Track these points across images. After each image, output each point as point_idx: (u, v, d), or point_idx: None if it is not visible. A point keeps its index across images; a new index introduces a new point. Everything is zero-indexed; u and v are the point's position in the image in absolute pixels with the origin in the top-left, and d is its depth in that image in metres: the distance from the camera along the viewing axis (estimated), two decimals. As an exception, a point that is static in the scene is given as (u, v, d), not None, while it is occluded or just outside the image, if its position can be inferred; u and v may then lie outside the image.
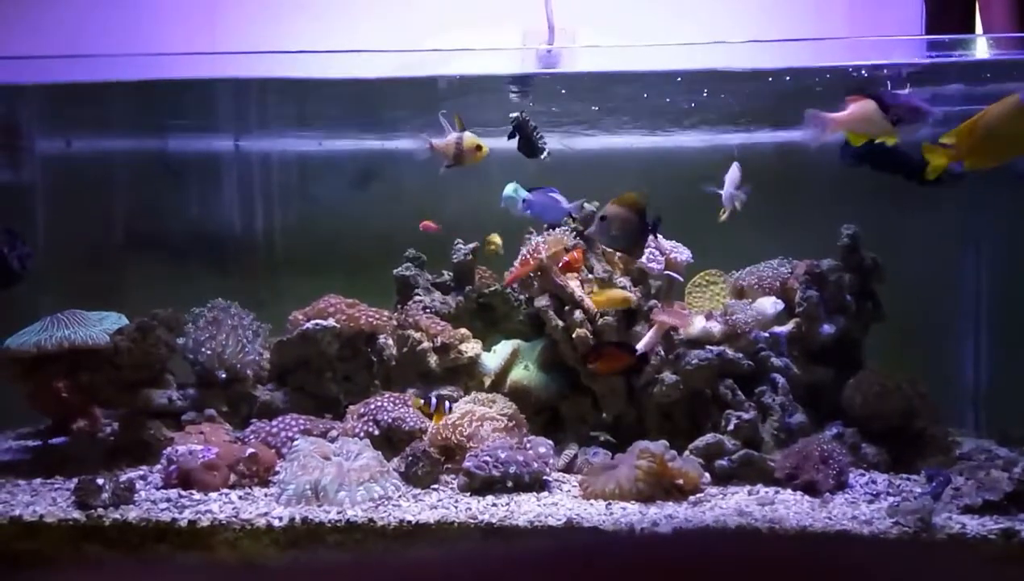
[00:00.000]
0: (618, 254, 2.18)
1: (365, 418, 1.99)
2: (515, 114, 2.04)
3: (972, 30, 2.41)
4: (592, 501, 1.74)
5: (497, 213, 2.20)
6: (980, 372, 2.53)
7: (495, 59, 2.23)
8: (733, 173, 2.06)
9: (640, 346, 2.03)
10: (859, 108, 1.75)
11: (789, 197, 2.27)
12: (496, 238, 2.29)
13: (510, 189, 2.06)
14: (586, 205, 2.26)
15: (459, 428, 1.93)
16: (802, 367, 2.08)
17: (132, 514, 1.65)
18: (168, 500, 1.73)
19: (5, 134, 2.53)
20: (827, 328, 2.12)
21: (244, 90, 2.40)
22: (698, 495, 1.77)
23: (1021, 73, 2.21)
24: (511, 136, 2.04)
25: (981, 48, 2.29)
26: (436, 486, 1.84)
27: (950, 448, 2.00)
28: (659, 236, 1.98)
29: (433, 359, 2.15)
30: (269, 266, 2.66)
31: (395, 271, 2.32)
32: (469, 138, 1.96)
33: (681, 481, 1.76)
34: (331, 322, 2.16)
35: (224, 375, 2.10)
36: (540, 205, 2.03)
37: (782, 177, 2.38)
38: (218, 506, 1.70)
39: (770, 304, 2.12)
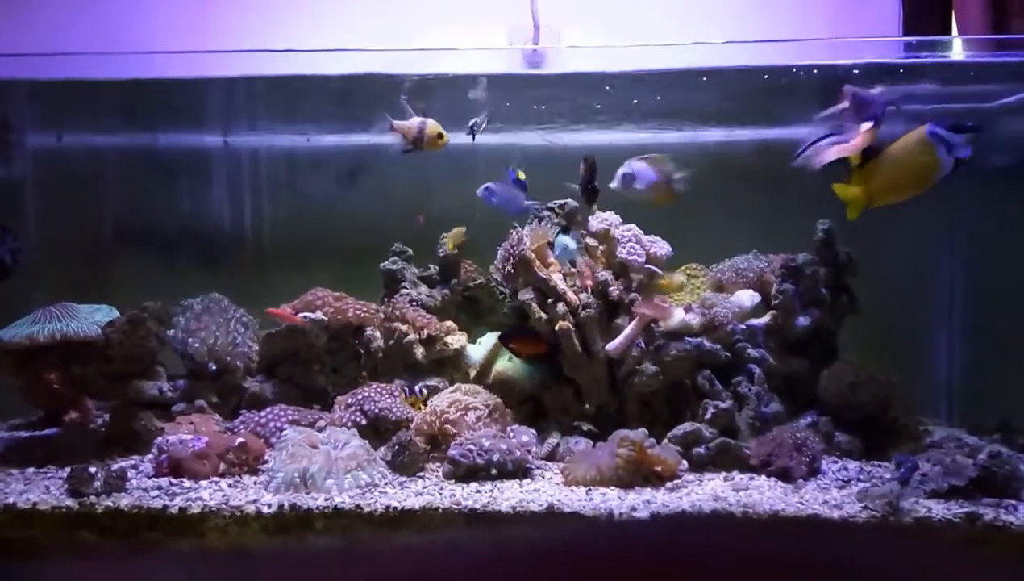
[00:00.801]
0: (600, 249, 2.23)
1: (352, 408, 2.03)
2: (473, 121, 2.12)
3: (948, 31, 2.47)
4: (573, 488, 1.79)
5: (483, 208, 2.25)
6: (953, 364, 2.59)
7: (480, 58, 2.28)
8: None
9: (621, 338, 2.08)
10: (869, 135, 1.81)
11: (766, 193, 2.33)
12: (455, 237, 2.34)
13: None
14: (570, 201, 2.31)
15: (444, 417, 1.98)
16: (778, 358, 2.14)
17: (124, 501, 1.69)
18: (159, 488, 1.77)
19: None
20: (803, 320, 2.18)
21: (233, 87, 2.43)
22: (676, 481, 1.82)
23: (997, 74, 2.28)
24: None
25: (957, 49, 2.35)
26: (422, 474, 1.88)
27: (921, 437, 2.06)
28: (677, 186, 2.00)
29: (419, 351, 2.20)
30: (258, 260, 2.69)
31: (382, 265, 2.36)
32: (432, 125, 2.03)
33: (659, 468, 1.82)
34: (319, 314, 2.20)
35: (214, 367, 2.14)
36: (501, 196, 2.11)
37: (760, 173, 2.43)
38: (208, 493, 1.74)
39: (747, 297, 2.17)
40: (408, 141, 2.02)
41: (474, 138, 2.12)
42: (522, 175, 2.11)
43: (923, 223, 2.55)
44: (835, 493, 1.74)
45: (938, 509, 1.64)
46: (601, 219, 2.22)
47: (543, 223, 2.24)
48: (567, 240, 2.10)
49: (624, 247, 2.19)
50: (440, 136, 2.04)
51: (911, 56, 2.21)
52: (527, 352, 2.16)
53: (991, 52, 2.35)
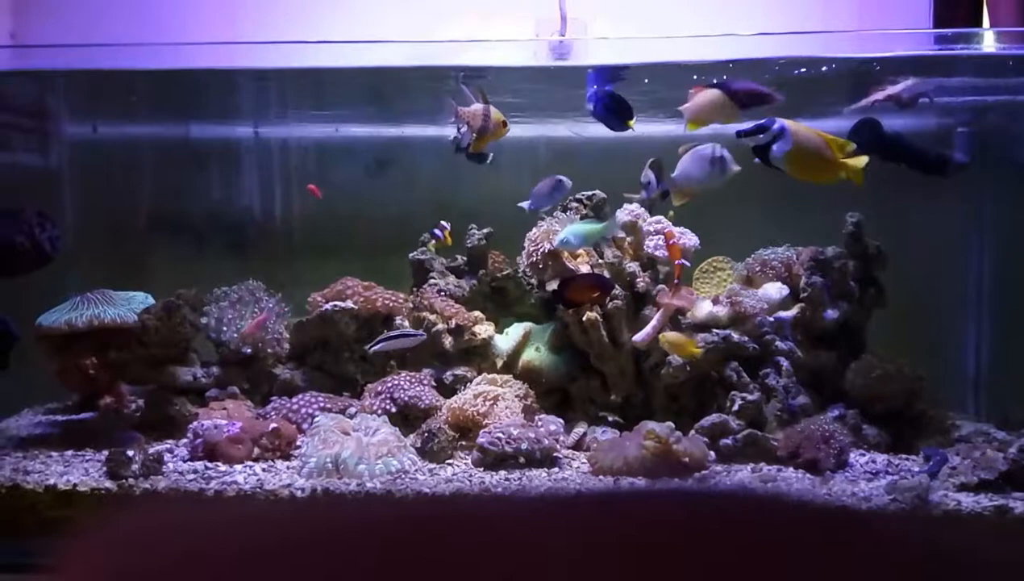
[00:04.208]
0: (628, 240, 2.24)
1: (382, 396, 2.06)
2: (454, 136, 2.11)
3: (979, 24, 2.45)
4: (601, 477, 1.81)
5: (509, 199, 2.26)
6: (981, 358, 2.58)
7: (507, 50, 2.29)
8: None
9: (648, 329, 2.09)
10: (702, 97, 1.83)
11: (795, 185, 2.32)
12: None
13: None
14: (598, 192, 2.31)
15: (473, 406, 2.00)
16: (806, 351, 2.14)
17: (161, 484, 1.73)
18: (195, 471, 1.81)
19: (34, 119, 2.60)
20: (831, 313, 2.17)
21: (263, 79, 2.46)
22: (703, 472, 1.83)
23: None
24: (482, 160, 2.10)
25: (988, 42, 2.33)
26: (451, 461, 1.91)
27: (949, 430, 2.06)
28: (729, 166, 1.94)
29: (448, 340, 2.22)
30: (288, 249, 2.72)
31: (411, 255, 2.39)
32: (496, 111, 1.95)
33: (687, 459, 1.83)
34: (349, 303, 2.23)
35: (248, 350, 2.17)
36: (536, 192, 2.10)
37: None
38: (243, 477, 1.78)
39: (775, 290, 2.17)
40: (473, 129, 1.92)
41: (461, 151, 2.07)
42: (484, 97, 1.95)
43: (952, 216, 2.53)
44: (863, 485, 1.75)
45: (967, 502, 1.65)
46: (628, 211, 2.23)
47: (569, 214, 2.26)
48: (569, 235, 2.07)
49: (652, 239, 2.20)
50: (504, 124, 1.96)
51: (944, 48, 2.20)
52: (586, 298, 2.08)
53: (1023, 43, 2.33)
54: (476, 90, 1.96)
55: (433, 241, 2.28)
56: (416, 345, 2.12)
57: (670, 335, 2.02)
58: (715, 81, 1.90)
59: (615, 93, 2.00)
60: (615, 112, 1.99)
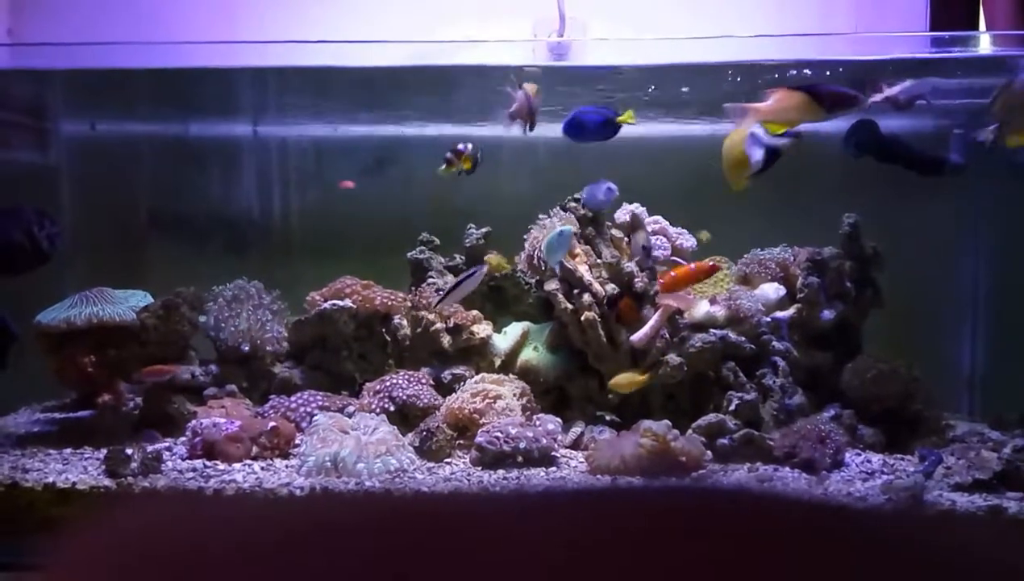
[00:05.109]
0: (626, 240, 2.25)
1: (381, 395, 2.06)
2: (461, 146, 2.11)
3: (975, 27, 2.46)
4: (599, 476, 1.82)
5: (508, 199, 2.27)
6: (976, 358, 2.59)
7: (506, 50, 2.30)
8: None
9: (645, 329, 2.10)
10: (786, 98, 1.81)
11: (793, 186, 2.34)
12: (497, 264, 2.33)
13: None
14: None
15: (471, 405, 2.01)
16: (802, 351, 2.15)
17: (160, 482, 1.73)
18: (194, 470, 1.81)
19: (32, 117, 2.60)
20: (827, 314, 2.19)
21: (262, 78, 2.46)
22: (700, 471, 1.84)
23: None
24: (470, 172, 2.09)
25: (984, 45, 2.35)
26: (449, 460, 1.92)
27: (943, 430, 2.08)
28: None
29: (446, 339, 2.22)
30: (286, 248, 2.73)
31: (409, 254, 2.39)
32: (529, 85, 1.95)
33: (684, 458, 1.84)
34: (347, 302, 2.23)
35: (247, 348, 2.17)
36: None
37: (786, 166, 2.44)
38: (242, 476, 1.78)
39: (772, 290, 2.19)
40: (523, 117, 1.92)
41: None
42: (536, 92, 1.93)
43: (948, 217, 2.55)
44: (859, 485, 1.76)
45: (962, 501, 1.66)
46: (627, 210, 2.23)
47: (568, 214, 2.26)
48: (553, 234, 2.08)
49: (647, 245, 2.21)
50: (538, 91, 1.95)
51: (940, 51, 2.21)
52: (634, 318, 2.08)
53: (1020, 46, 2.34)
54: (518, 82, 1.96)
55: (445, 165, 2.05)
56: (480, 279, 2.10)
57: (619, 379, 2.04)
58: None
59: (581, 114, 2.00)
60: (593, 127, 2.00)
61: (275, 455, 1.91)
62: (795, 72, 2.17)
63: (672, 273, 2.09)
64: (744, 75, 2.26)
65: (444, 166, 1.96)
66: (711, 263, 2.11)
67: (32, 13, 2.58)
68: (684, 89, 2.39)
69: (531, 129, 1.96)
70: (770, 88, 1.84)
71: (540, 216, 2.28)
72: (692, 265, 2.10)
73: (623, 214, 2.23)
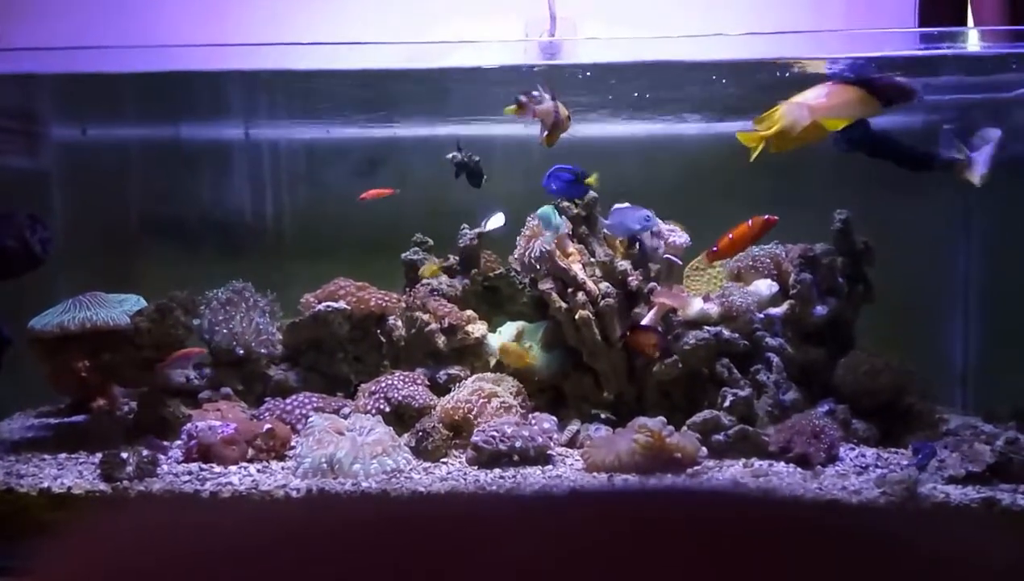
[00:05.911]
0: (619, 238, 2.26)
1: (376, 396, 2.06)
2: (451, 154, 2.12)
3: (964, 23, 2.48)
4: (595, 474, 1.82)
5: (502, 199, 2.27)
6: (969, 352, 2.61)
7: (497, 50, 2.30)
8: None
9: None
10: (841, 93, 1.79)
11: (784, 182, 2.34)
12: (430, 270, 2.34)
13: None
14: (590, 193, 2.33)
15: (467, 405, 2.01)
16: (796, 347, 2.16)
17: (156, 486, 1.73)
18: (190, 473, 1.81)
19: (22, 122, 2.59)
20: (820, 310, 2.20)
21: (253, 80, 2.46)
22: (695, 467, 1.85)
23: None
24: (457, 176, 2.12)
25: (972, 41, 2.36)
26: (445, 460, 1.92)
27: (937, 424, 2.09)
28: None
29: (441, 340, 2.23)
30: (280, 250, 2.73)
31: (403, 255, 2.39)
32: (563, 107, 1.93)
33: (679, 455, 1.85)
34: (342, 304, 2.23)
35: (241, 351, 2.17)
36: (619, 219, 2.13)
37: (778, 162, 2.45)
38: (238, 478, 1.78)
39: (765, 286, 2.20)
40: (547, 126, 1.89)
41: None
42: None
43: (939, 212, 2.56)
44: (853, 479, 1.77)
45: (956, 494, 1.67)
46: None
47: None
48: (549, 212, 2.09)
49: (643, 236, 2.22)
50: (569, 117, 1.94)
51: (929, 47, 2.22)
52: (648, 345, 2.06)
53: (1009, 43, 2.35)
54: (547, 86, 1.95)
55: (516, 106, 1.90)
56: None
57: (508, 346, 2.03)
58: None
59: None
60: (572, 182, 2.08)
61: (271, 457, 1.91)
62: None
63: (729, 235, 2.04)
64: (736, 73, 2.27)
65: (514, 106, 1.91)
66: (766, 217, 2.03)
67: (21, 18, 2.57)
68: (672, 88, 2.40)
69: (549, 144, 1.94)
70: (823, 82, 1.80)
71: (529, 218, 2.29)
72: (749, 221, 2.04)
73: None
